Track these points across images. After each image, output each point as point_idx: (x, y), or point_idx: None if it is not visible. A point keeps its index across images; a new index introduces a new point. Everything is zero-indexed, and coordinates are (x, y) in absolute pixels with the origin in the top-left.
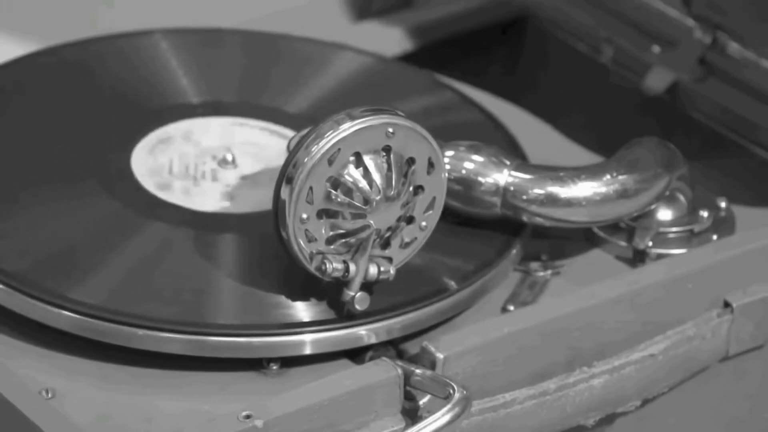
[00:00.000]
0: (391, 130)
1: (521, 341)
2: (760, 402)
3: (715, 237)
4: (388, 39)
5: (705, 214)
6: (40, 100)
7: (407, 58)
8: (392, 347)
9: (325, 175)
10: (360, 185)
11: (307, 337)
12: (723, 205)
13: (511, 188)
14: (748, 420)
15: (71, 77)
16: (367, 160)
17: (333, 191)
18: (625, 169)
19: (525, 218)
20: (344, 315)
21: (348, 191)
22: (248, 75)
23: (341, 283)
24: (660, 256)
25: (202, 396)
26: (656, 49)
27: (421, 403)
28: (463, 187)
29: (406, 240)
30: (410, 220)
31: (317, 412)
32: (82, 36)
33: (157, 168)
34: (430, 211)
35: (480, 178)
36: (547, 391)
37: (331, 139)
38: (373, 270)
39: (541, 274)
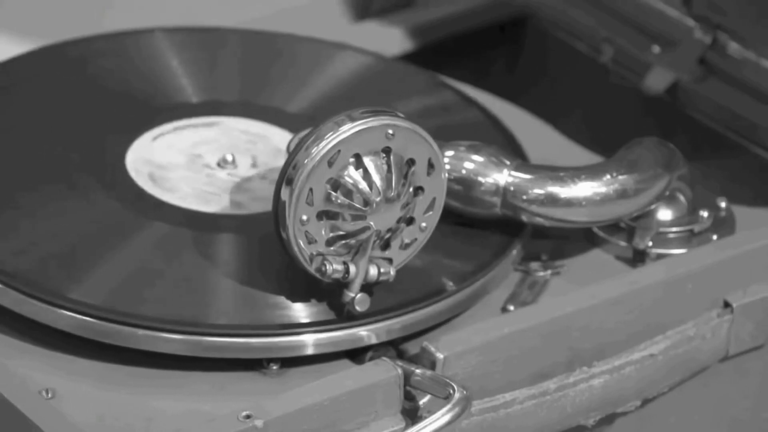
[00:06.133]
0: (390, 131)
1: (521, 341)
2: (760, 402)
3: (715, 237)
4: (389, 39)
5: (705, 214)
6: (39, 98)
7: (407, 58)
8: (392, 347)
9: (325, 177)
10: (360, 186)
11: (308, 338)
12: (723, 205)
13: (511, 188)
14: (748, 420)
15: (71, 76)
16: (367, 161)
17: (333, 193)
18: (625, 169)
19: (525, 218)
20: (344, 315)
21: (348, 193)
22: (248, 74)
23: (341, 284)
24: (660, 256)
25: (202, 396)
26: (656, 49)
27: (421, 403)
28: (463, 187)
29: (406, 241)
30: (410, 221)
31: (317, 412)
32: (82, 35)
33: (156, 166)
34: (430, 212)
35: (480, 178)
36: (547, 391)
37: (331, 140)
38: (373, 271)
39: (541, 274)
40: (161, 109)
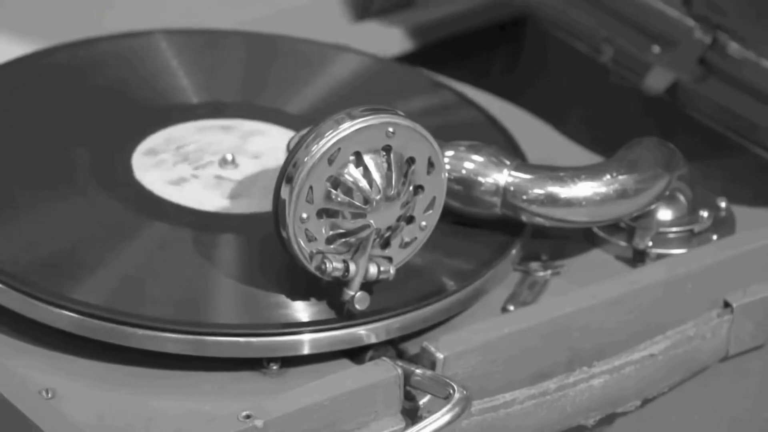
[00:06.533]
0: (391, 129)
1: (521, 341)
2: (760, 402)
3: (715, 237)
4: (388, 39)
5: (705, 214)
6: (40, 100)
7: (407, 58)
8: (392, 347)
9: (325, 175)
10: (360, 185)
11: (307, 337)
12: (723, 205)
13: (511, 188)
14: (748, 420)
15: (71, 77)
16: (367, 159)
17: (333, 191)
18: (625, 169)
19: (525, 218)
20: (344, 315)
21: (348, 191)
22: (249, 75)
23: (341, 282)
24: (660, 256)
25: (202, 396)
26: (656, 49)
27: (421, 403)
28: (463, 187)
29: (406, 240)
30: (410, 219)
31: (317, 412)
32: (83, 36)
33: (156, 164)
34: (430, 211)
35: (480, 178)
36: (547, 391)
37: (331, 138)
38: (372, 270)
39: (541, 274)
40: (161, 110)
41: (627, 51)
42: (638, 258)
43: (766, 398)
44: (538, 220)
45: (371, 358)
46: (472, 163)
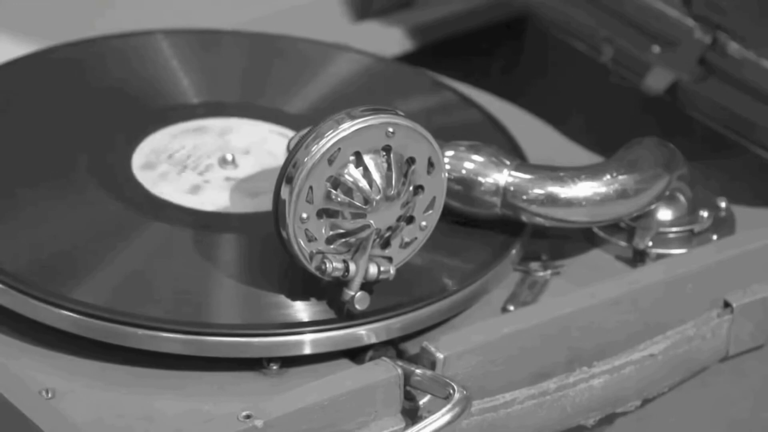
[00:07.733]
0: (391, 129)
1: (521, 341)
2: (760, 402)
3: (715, 237)
4: (388, 39)
5: (705, 214)
6: (40, 100)
7: (407, 58)
8: (392, 347)
9: (325, 175)
10: (360, 185)
11: (307, 337)
12: (723, 205)
13: (511, 188)
14: (748, 420)
15: (72, 77)
16: (367, 159)
17: (333, 191)
18: (625, 169)
19: (525, 218)
20: (344, 315)
21: (348, 191)
22: (249, 75)
23: (341, 282)
24: (660, 256)
25: (202, 396)
26: (656, 49)
27: (421, 403)
28: (463, 187)
29: (406, 240)
30: (410, 219)
31: (317, 412)
32: (83, 36)
33: (156, 163)
34: (430, 211)
35: (480, 178)
36: (547, 391)
37: (331, 138)
38: (373, 270)
39: (541, 274)
40: (162, 110)
41: (627, 51)
42: (638, 258)
43: (766, 398)
44: (538, 220)
45: (371, 358)
46: (472, 163)
